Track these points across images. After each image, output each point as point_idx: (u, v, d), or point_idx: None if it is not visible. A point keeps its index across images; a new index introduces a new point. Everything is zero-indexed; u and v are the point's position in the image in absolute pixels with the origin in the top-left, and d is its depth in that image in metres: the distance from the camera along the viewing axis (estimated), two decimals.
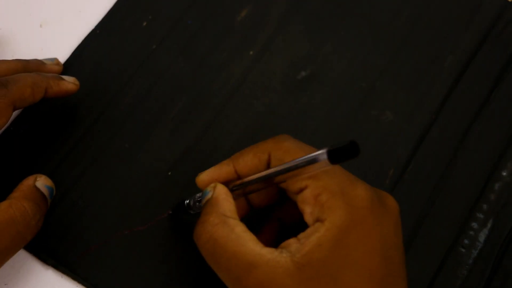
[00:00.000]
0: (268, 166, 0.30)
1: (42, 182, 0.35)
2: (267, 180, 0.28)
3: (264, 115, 0.39)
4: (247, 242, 0.27)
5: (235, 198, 0.30)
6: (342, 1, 0.43)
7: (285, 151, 0.29)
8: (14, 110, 0.34)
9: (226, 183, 0.31)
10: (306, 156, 0.25)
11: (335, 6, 0.43)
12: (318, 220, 0.27)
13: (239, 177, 0.31)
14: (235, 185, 0.30)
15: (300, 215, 0.28)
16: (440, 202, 0.37)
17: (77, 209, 0.37)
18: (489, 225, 0.36)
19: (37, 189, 0.34)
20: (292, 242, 0.27)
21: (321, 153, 0.24)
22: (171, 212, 0.36)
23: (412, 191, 0.37)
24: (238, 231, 0.28)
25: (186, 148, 0.38)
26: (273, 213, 0.33)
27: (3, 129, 0.38)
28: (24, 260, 0.36)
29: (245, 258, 0.26)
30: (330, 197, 0.27)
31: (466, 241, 0.36)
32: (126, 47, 0.42)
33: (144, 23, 0.42)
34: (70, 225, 0.36)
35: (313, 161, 0.25)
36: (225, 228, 0.28)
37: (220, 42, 0.42)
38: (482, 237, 0.36)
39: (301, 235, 0.27)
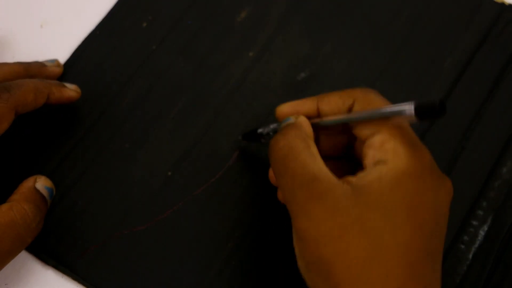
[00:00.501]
0: (349, 111, 0.31)
1: (42, 184, 0.35)
2: (345, 123, 0.30)
3: (264, 116, 0.39)
4: (318, 161, 0.29)
5: None
6: (342, 1, 0.43)
7: (370, 100, 0.30)
8: (16, 115, 0.34)
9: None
10: (392, 108, 0.27)
11: (335, 6, 0.43)
12: (379, 161, 0.28)
13: (319, 116, 0.32)
14: (314, 122, 0.32)
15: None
16: None
17: (77, 209, 0.37)
18: (488, 221, 0.36)
19: (37, 191, 0.34)
20: (350, 178, 0.28)
21: (407, 106, 0.25)
22: (240, 137, 0.38)
23: None
24: (314, 151, 0.29)
25: (186, 149, 0.39)
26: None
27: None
28: (24, 261, 0.36)
29: (312, 171, 0.28)
30: (398, 144, 0.28)
31: (466, 238, 0.36)
32: (126, 47, 0.42)
33: (144, 24, 0.42)
34: (70, 225, 0.36)
35: (399, 113, 0.26)
36: (304, 143, 0.29)
37: (220, 42, 0.42)
38: (481, 234, 0.36)
39: (360, 174, 0.28)
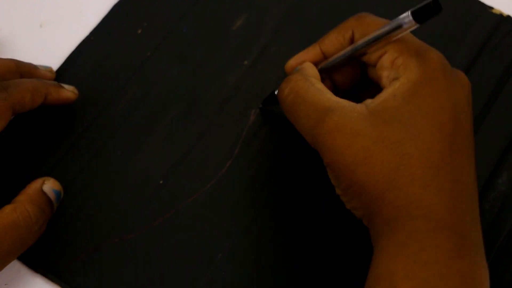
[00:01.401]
0: (351, 42, 0.32)
1: (49, 186, 0.35)
2: (351, 55, 0.31)
3: (256, 125, 0.39)
4: (325, 93, 0.30)
5: (322, 79, 0.33)
6: (337, 11, 0.43)
7: (367, 25, 0.32)
8: (13, 114, 0.34)
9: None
10: (390, 23, 0.29)
11: (331, 15, 0.43)
12: (394, 79, 0.29)
13: (325, 57, 0.33)
14: (321, 67, 0.33)
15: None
16: None
17: (67, 216, 0.36)
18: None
19: (44, 194, 0.34)
20: (368, 101, 0.29)
21: (405, 16, 0.28)
22: (261, 106, 0.39)
23: None
24: (319, 86, 0.30)
25: (178, 157, 0.38)
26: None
27: None
28: None
29: (323, 104, 0.29)
30: (406, 58, 0.29)
31: None
32: (120, 53, 0.42)
33: (139, 30, 0.42)
34: (61, 232, 0.36)
35: (398, 26, 0.28)
36: (306, 82, 0.31)
37: (215, 50, 0.42)
38: None
39: (377, 96, 0.29)
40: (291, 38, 0.42)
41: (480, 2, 0.43)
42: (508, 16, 0.43)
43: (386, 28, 0.29)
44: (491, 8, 0.43)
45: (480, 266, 0.27)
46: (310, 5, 0.43)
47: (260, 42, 0.42)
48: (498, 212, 0.37)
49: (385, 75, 0.30)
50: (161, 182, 0.38)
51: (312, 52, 0.34)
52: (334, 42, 0.33)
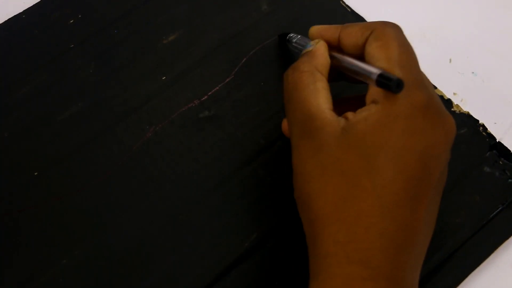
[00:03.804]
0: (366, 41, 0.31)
1: None
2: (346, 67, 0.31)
3: (151, 143, 0.38)
4: (319, 98, 0.29)
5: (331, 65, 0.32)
6: (273, 52, 0.41)
7: (384, 35, 0.29)
8: None
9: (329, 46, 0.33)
10: (368, 66, 0.28)
11: (265, 54, 0.41)
12: (374, 101, 0.28)
13: (339, 44, 0.32)
14: (332, 55, 0.32)
15: None
16: None
17: None
18: None
19: None
20: (350, 114, 0.28)
21: (373, 72, 0.27)
22: (278, 36, 0.41)
23: None
24: (319, 86, 0.30)
25: (60, 155, 0.37)
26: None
27: None
28: None
29: (311, 109, 0.29)
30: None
31: None
32: (44, 38, 0.41)
33: (71, 21, 0.42)
34: None
35: (368, 74, 0.28)
36: (310, 78, 0.30)
37: (137, 59, 0.41)
38: None
39: (359, 110, 0.28)
40: (217, 66, 0.41)
41: None
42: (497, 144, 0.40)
43: (361, 67, 0.29)
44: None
45: None
46: (247, 38, 0.42)
47: (185, 62, 0.41)
48: None
49: (369, 91, 0.28)
50: (36, 174, 0.37)
51: (332, 32, 0.32)
52: (352, 35, 0.31)
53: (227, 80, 0.40)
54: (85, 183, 0.36)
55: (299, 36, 0.37)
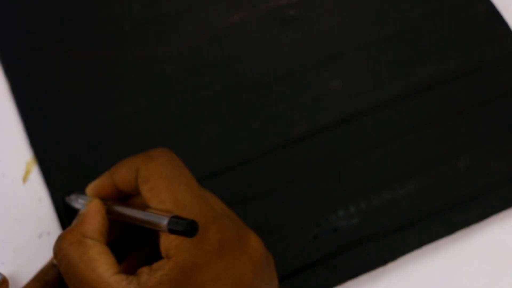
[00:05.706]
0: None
1: None
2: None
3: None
4: (98, 267, 0.26)
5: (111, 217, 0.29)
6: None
7: (148, 175, 0.27)
8: None
9: (108, 196, 0.30)
10: (151, 215, 0.26)
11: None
12: (167, 255, 0.26)
13: (119, 191, 0.29)
14: (110, 211, 0.29)
15: None
16: None
17: None
18: None
19: None
20: (144, 271, 0.26)
21: (164, 220, 0.25)
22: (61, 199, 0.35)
23: None
24: (93, 253, 0.26)
25: None
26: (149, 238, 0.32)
27: None
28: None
29: (91, 285, 0.26)
30: (180, 240, 0.26)
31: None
32: None
33: None
34: None
35: (157, 223, 0.25)
36: (80, 249, 0.27)
37: None
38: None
39: (154, 266, 0.26)
40: None
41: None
42: None
43: (145, 217, 0.26)
44: None
45: None
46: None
47: None
48: None
49: (161, 242, 0.26)
50: None
51: (105, 182, 0.29)
52: (124, 178, 0.28)
53: None
54: None
55: (79, 201, 0.31)
